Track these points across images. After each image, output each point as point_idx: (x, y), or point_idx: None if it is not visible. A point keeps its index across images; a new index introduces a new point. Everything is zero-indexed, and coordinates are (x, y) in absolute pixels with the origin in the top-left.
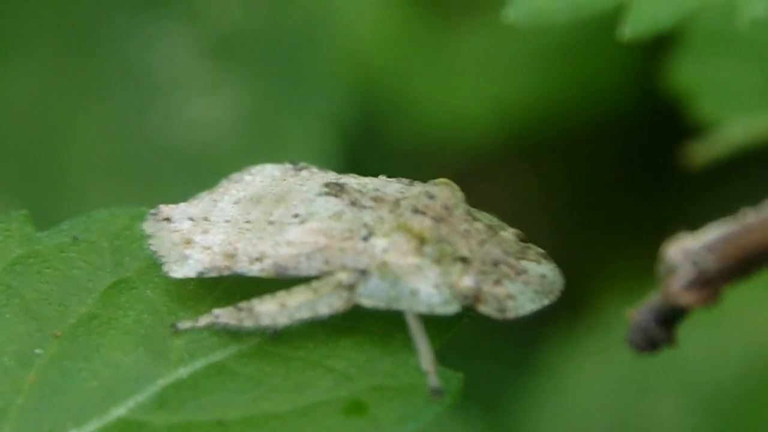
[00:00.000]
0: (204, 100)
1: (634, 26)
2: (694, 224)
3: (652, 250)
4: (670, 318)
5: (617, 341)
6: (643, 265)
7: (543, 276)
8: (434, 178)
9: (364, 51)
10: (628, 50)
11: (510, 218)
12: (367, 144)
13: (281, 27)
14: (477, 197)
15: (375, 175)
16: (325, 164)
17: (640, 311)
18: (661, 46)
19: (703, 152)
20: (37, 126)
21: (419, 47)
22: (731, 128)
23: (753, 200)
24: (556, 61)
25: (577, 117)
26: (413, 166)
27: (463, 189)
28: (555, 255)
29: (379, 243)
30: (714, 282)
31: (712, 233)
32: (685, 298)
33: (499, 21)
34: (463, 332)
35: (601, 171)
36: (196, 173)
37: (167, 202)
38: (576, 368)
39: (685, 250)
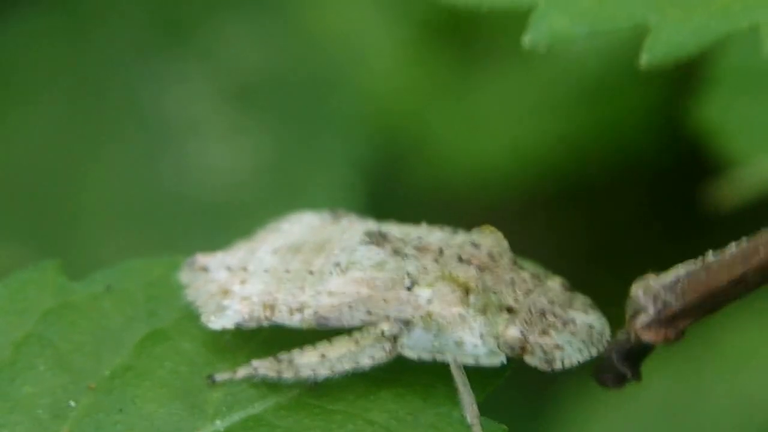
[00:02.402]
0: (222, 146)
1: (651, 53)
2: None
3: None
4: (636, 355)
5: (641, 390)
6: None
7: (590, 326)
8: (455, 222)
9: (385, 95)
10: (651, 95)
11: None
12: (388, 188)
13: (300, 71)
14: None
15: (397, 218)
16: (346, 208)
17: (606, 348)
18: (685, 90)
19: (731, 192)
20: (51, 173)
21: (440, 92)
22: (759, 167)
23: None
24: (578, 107)
25: (599, 162)
26: (434, 210)
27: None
28: None
29: (423, 293)
30: (676, 320)
31: (674, 274)
32: (649, 336)
33: (521, 65)
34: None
35: (623, 215)
36: (215, 221)
37: (184, 250)
38: (598, 419)
39: (649, 290)
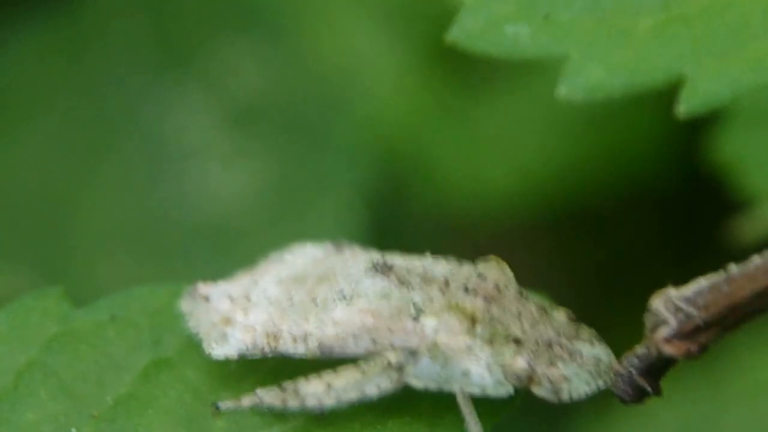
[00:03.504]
0: (223, 171)
1: (689, 103)
2: None
3: None
4: (656, 369)
5: (659, 413)
6: None
7: (597, 358)
8: (459, 246)
9: (388, 119)
10: (660, 120)
11: (532, 291)
12: (392, 214)
13: (302, 95)
14: None
15: (401, 243)
16: (349, 234)
17: (625, 361)
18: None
19: (748, 228)
20: (48, 195)
21: (444, 116)
22: None
23: None
24: (585, 131)
25: (606, 188)
26: (438, 235)
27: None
28: None
29: (429, 323)
30: (699, 333)
31: (697, 286)
32: (670, 349)
33: (526, 89)
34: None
35: (631, 242)
36: (216, 246)
37: (185, 275)
38: None
39: (671, 302)
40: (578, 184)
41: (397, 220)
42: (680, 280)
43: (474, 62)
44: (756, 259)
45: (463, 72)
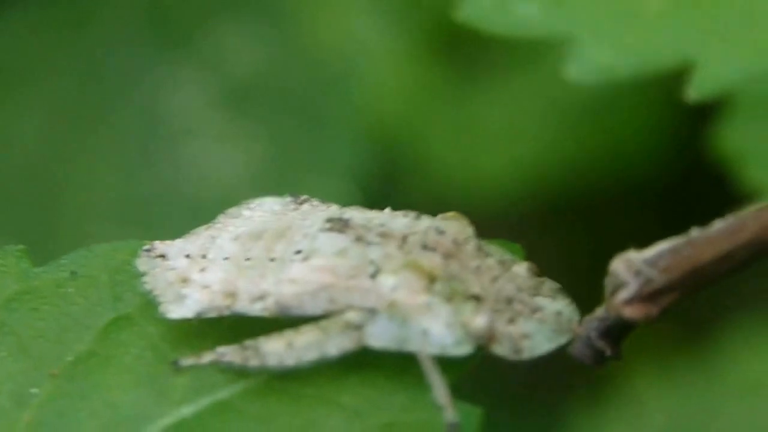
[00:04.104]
0: (216, 150)
1: (699, 88)
2: (728, 291)
3: (682, 316)
4: (616, 332)
5: (646, 412)
6: (673, 332)
7: (558, 313)
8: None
9: (384, 105)
10: (660, 110)
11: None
12: (386, 198)
13: (298, 77)
14: None
15: None
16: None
17: (584, 324)
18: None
19: None
20: (41, 169)
21: (439, 104)
22: None
23: None
24: (583, 121)
25: (604, 180)
26: None
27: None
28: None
29: (387, 281)
30: (659, 296)
31: (658, 249)
32: (629, 312)
33: (524, 79)
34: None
35: (628, 232)
36: (206, 222)
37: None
38: None
39: (630, 264)
40: (575, 175)
41: (391, 206)
42: None
43: (473, 51)
44: (718, 224)
45: (462, 61)
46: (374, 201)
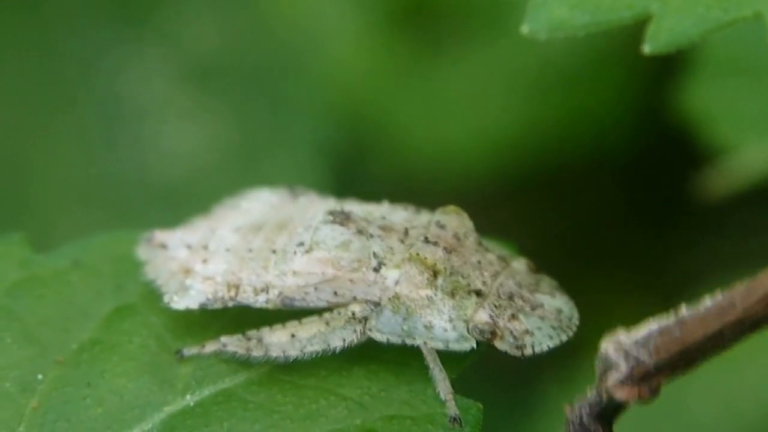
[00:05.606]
0: (180, 128)
1: (654, 41)
2: (701, 258)
3: (656, 286)
4: (608, 413)
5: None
6: (646, 300)
7: (559, 310)
8: (422, 207)
9: (347, 79)
10: (628, 78)
11: (494, 240)
12: (352, 174)
13: (261, 53)
14: None
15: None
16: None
17: (576, 407)
18: (665, 72)
19: (718, 181)
20: (2, 152)
21: (404, 76)
22: (748, 156)
23: (764, 230)
24: (551, 91)
25: (573, 149)
26: (398, 198)
27: None
28: None
29: (390, 274)
30: (650, 378)
31: (647, 330)
32: (621, 394)
33: (489, 48)
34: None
35: (596, 204)
36: (173, 202)
37: (143, 230)
38: None
39: (621, 347)
40: (542, 147)
41: (357, 181)
42: (645, 240)
43: (436, 20)
44: (707, 302)
45: (425, 33)
46: (341, 174)
